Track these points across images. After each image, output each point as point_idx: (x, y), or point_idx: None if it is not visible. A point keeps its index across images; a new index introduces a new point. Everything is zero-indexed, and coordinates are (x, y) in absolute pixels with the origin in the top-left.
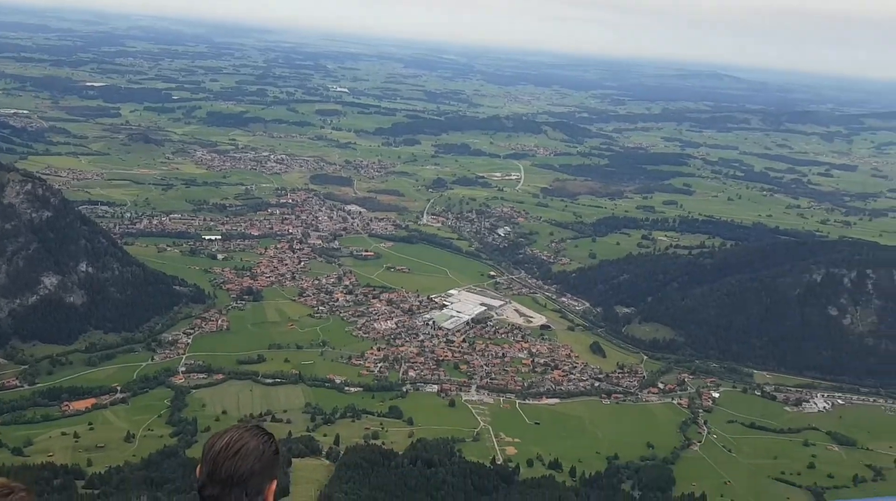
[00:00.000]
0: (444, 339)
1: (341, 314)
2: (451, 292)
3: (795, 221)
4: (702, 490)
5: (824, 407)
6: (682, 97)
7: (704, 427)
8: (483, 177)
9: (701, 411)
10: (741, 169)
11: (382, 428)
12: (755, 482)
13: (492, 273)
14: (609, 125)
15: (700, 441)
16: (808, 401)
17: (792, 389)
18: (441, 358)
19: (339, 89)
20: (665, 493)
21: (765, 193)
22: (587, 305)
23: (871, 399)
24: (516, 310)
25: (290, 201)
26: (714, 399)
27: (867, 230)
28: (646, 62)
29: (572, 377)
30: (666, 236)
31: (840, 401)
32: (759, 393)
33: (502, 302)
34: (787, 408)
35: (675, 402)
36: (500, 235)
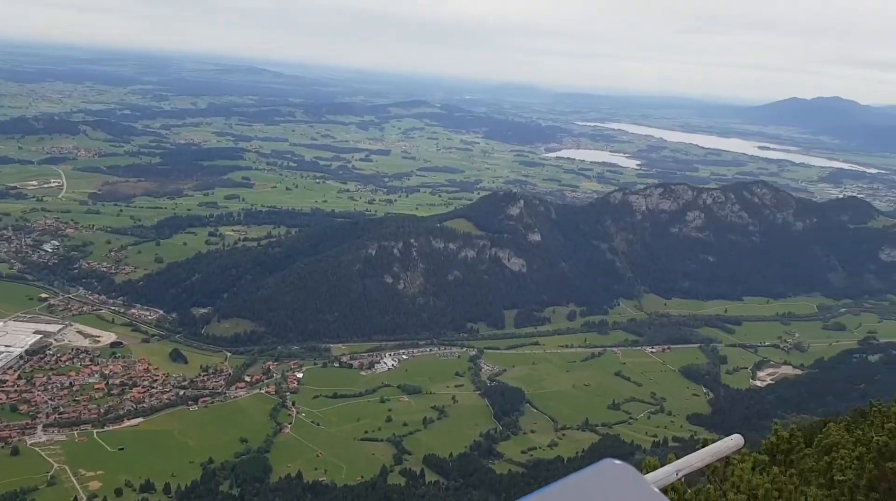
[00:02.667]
0: None
1: None
2: None
3: (347, 203)
4: (297, 468)
5: (392, 365)
6: (226, 92)
7: (293, 409)
8: (15, 187)
9: (288, 394)
10: (293, 159)
11: None
12: (344, 447)
13: (43, 295)
14: (156, 122)
15: (291, 423)
16: (378, 362)
17: (364, 354)
18: None
19: None
20: (263, 482)
21: (318, 180)
22: (161, 312)
23: (428, 350)
24: (79, 332)
25: None
26: (299, 380)
27: (406, 205)
28: (183, 57)
29: (154, 391)
30: (233, 230)
31: (404, 356)
32: (337, 365)
33: (61, 326)
34: (362, 373)
35: (263, 391)
36: (47, 251)
